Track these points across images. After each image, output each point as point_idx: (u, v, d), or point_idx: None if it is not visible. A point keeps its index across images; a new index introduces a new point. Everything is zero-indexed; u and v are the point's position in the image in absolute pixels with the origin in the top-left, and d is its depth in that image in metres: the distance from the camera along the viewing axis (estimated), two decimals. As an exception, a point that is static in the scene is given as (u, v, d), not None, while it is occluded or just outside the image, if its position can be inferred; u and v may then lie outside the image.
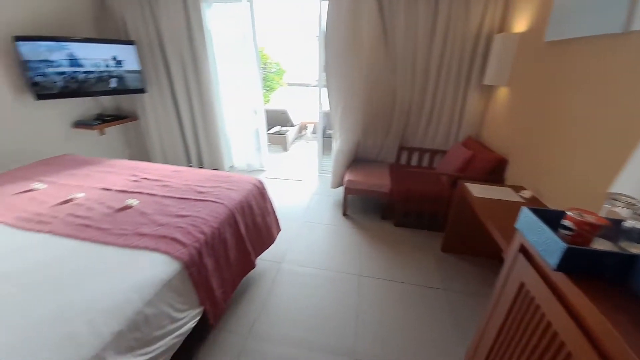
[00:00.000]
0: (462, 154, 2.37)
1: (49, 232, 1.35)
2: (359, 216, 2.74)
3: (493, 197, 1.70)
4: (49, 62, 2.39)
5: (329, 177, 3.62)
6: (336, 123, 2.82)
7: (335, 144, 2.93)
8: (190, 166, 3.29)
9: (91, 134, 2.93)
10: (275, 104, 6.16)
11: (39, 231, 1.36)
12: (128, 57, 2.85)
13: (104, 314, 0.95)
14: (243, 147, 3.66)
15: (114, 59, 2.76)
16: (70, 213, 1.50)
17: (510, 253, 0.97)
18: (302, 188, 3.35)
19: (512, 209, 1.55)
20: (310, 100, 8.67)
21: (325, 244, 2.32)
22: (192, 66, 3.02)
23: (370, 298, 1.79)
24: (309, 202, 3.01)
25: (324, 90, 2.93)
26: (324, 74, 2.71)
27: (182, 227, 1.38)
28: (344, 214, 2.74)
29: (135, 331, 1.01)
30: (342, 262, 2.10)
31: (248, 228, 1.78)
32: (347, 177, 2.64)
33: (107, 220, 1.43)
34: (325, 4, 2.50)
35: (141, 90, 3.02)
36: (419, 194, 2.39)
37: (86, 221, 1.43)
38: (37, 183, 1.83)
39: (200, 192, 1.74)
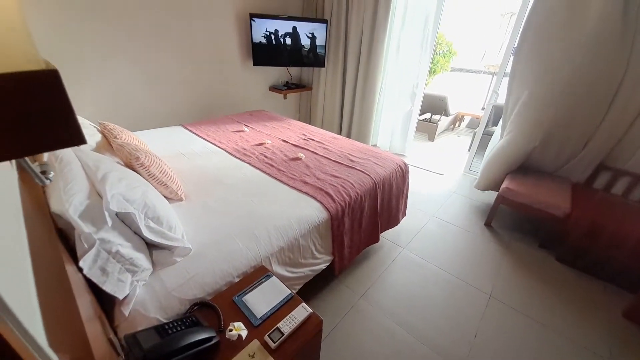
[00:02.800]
0: None
1: (248, 162, 1.88)
2: (505, 232, 2.33)
3: None
4: (266, 35, 3.10)
5: (475, 178, 3.19)
6: (510, 118, 2.37)
7: (498, 141, 2.50)
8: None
9: (278, 97, 3.71)
10: (434, 89, 5.71)
11: (243, 160, 1.91)
12: (320, 34, 3.30)
13: (275, 230, 1.28)
14: (391, 128, 3.70)
15: (311, 35, 3.27)
16: (262, 153, 2.01)
17: None
18: (441, 183, 3.11)
19: None
20: (473, 89, 7.55)
21: (454, 248, 2.14)
22: (368, 45, 3.19)
23: (497, 325, 1.56)
24: (445, 199, 2.79)
25: (502, 80, 2.49)
26: (511, 58, 2.28)
27: (334, 186, 1.61)
28: (487, 224, 2.39)
29: (290, 252, 1.32)
30: (471, 273, 1.90)
31: (383, 204, 1.87)
32: (506, 185, 2.24)
33: (283, 165, 1.84)
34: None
35: (321, 64, 3.50)
36: (614, 234, 1.77)
37: (270, 162, 1.88)
38: (245, 127, 2.53)
39: (352, 161, 1.94)
